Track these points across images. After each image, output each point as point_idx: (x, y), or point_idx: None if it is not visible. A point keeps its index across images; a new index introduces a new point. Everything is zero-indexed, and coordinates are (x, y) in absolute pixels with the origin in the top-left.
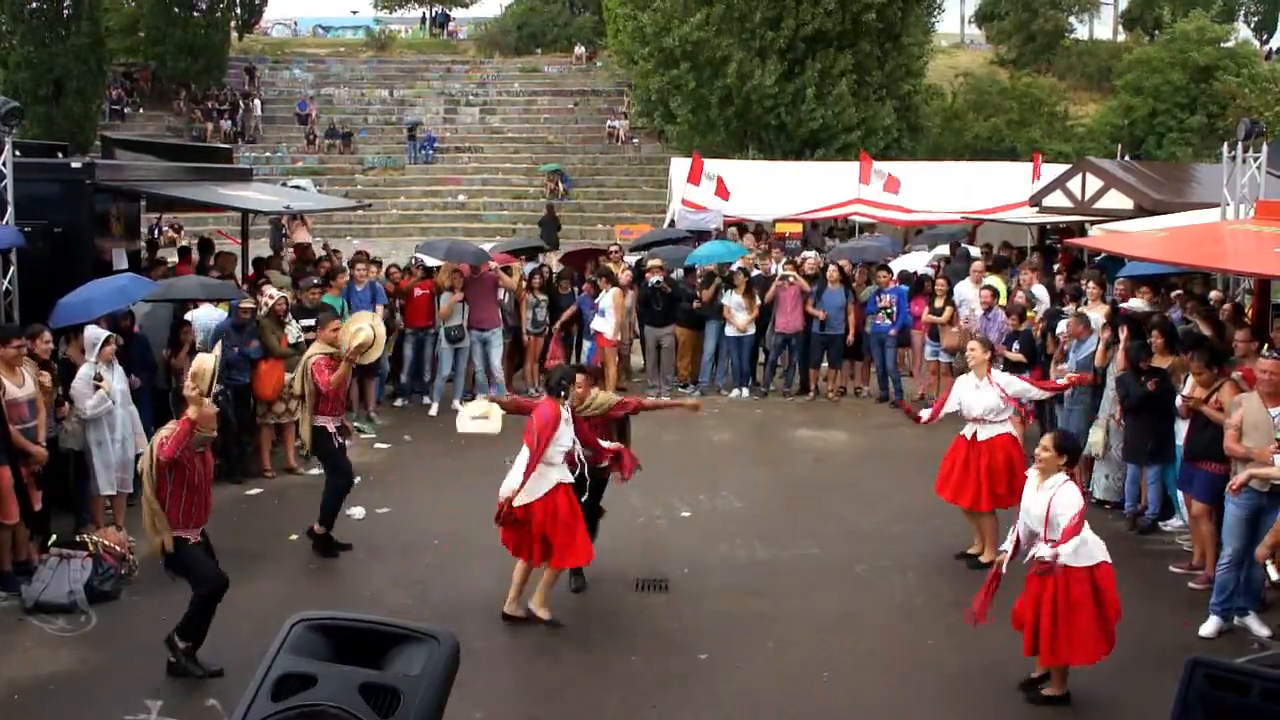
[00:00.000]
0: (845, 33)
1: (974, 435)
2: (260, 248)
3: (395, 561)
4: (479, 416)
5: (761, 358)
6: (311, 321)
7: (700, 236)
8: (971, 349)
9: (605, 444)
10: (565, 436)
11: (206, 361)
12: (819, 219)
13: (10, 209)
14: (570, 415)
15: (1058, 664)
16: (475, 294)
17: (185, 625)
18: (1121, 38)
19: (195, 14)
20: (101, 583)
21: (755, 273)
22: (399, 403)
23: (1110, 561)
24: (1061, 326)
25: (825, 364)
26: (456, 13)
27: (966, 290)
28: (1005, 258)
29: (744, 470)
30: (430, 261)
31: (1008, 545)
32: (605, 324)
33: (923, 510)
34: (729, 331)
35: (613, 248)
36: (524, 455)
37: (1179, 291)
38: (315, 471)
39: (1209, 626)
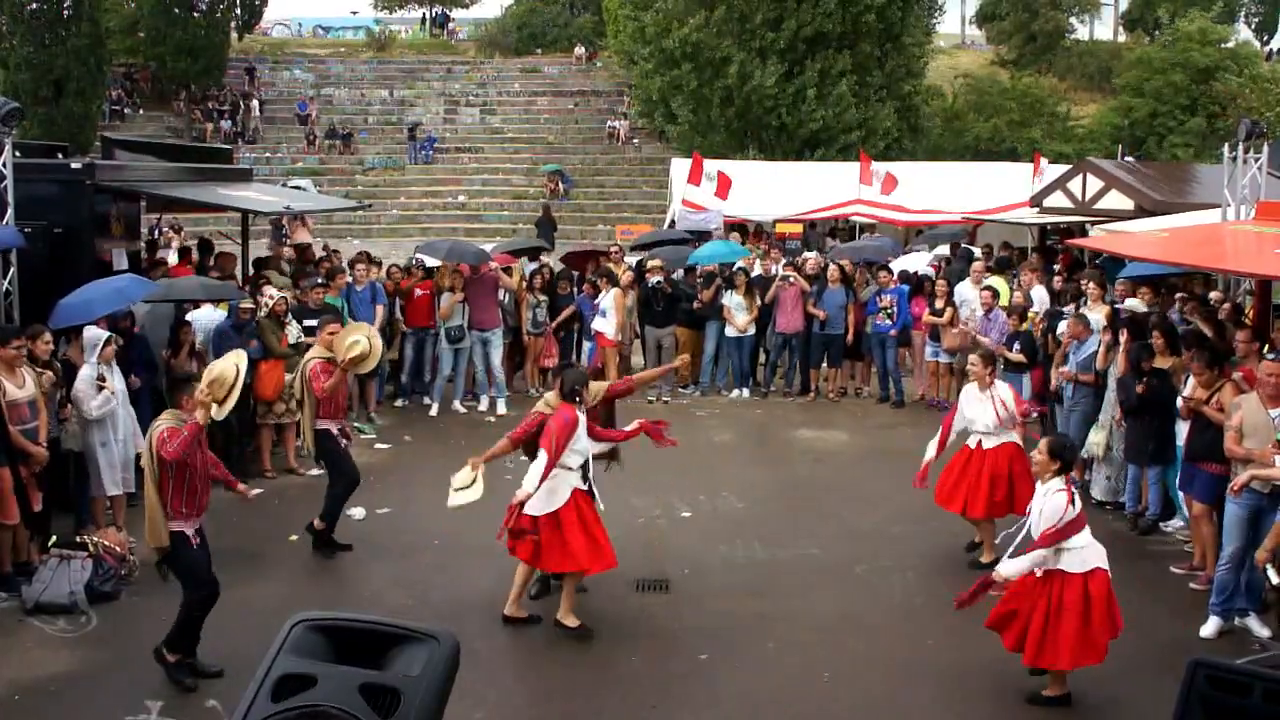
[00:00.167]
0: (845, 33)
1: (979, 444)
2: (261, 249)
3: (395, 562)
4: (462, 488)
5: (762, 358)
6: (314, 322)
7: (700, 237)
8: (972, 363)
9: (626, 429)
10: (582, 442)
11: (228, 371)
12: (819, 219)
13: (10, 209)
14: (585, 420)
15: (1041, 665)
16: (476, 294)
17: (173, 637)
18: (1122, 38)
19: (195, 15)
20: (102, 583)
21: (755, 273)
22: (399, 403)
23: (1107, 569)
24: (1062, 327)
25: (825, 364)
26: (456, 13)
27: (967, 291)
28: (1007, 258)
29: (744, 470)
30: (430, 262)
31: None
32: (606, 324)
33: (923, 510)
34: (729, 332)
35: (613, 248)
36: (541, 459)
37: (1183, 294)
38: (316, 472)
39: (1209, 627)
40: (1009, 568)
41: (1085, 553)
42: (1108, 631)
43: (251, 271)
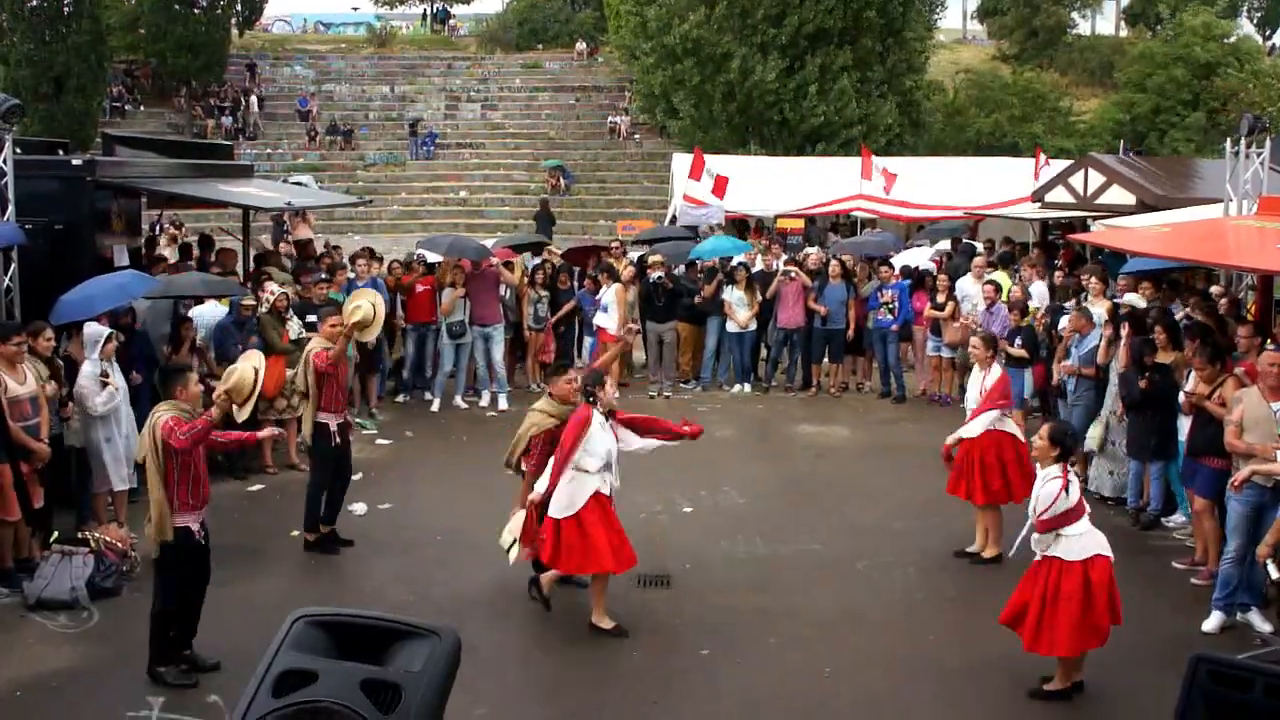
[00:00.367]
0: (847, 29)
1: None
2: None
3: (396, 557)
4: (512, 543)
5: (763, 353)
6: (315, 318)
7: (699, 233)
8: (974, 345)
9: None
10: (597, 441)
11: (247, 375)
12: (821, 214)
13: (11, 206)
14: (607, 420)
15: (1040, 653)
16: (477, 289)
17: (155, 655)
18: (1124, 33)
19: (196, 11)
20: (103, 579)
21: (757, 268)
22: (401, 398)
23: (1109, 556)
24: (1064, 322)
25: (827, 359)
26: (457, 9)
27: (968, 286)
28: (1009, 253)
29: (746, 466)
30: (432, 257)
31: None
32: (609, 319)
33: (924, 506)
34: (730, 327)
35: (614, 244)
36: (552, 461)
37: (1186, 289)
38: None
39: (1211, 622)
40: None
41: (1084, 540)
42: (1108, 616)
43: (253, 267)
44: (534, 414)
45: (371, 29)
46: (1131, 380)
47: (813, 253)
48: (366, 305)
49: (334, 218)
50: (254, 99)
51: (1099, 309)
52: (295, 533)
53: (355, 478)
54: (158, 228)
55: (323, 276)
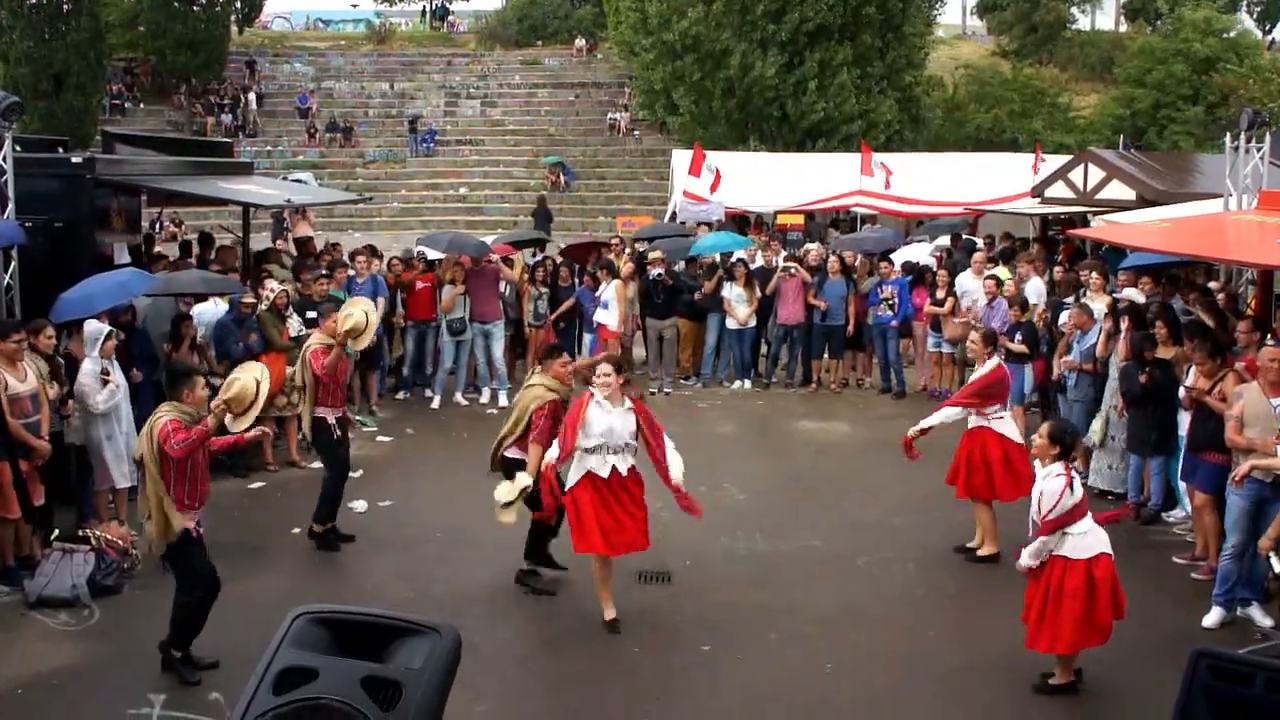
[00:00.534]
0: (846, 25)
1: (971, 425)
2: (262, 241)
3: (397, 554)
4: (508, 503)
5: (763, 349)
6: (315, 315)
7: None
8: (972, 341)
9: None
10: (595, 424)
11: (249, 388)
12: (820, 210)
13: (11, 204)
14: (610, 404)
15: (1040, 650)
16: (477, 286)
17: (176, 636)
18: (1123, 28)
19: (195, 8)
20: (104, 577)
21: (756, 264)
22: (401, 396)
23: (1110, 553)
24: (1064, 318)
25: (827, 355)
26: (456, 6)
27: (968, 281)
28: (1009, 249)
29: (745, 462)
30: (432, 254)
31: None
32: (609, 315)
33: (924, 502)
34: (730, 324)
35: (614, 240)
36: (554, 446)
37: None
38: (317, 465)
39: (1212, 617)
40: (1025, 559)
41: (1088, 538)
42: (1111, 612)
43: (253, 265)
44: (533, 389)
45: (371, 26)
46: (1132, 375)
47: (812, 249)
48: (359, 314)
49: (334, 215)
50: (253, 96)
51: (1099, 304)
52: (296, 530)
53: (356, 474)
54: (158, 225)
55: (323, 273)
